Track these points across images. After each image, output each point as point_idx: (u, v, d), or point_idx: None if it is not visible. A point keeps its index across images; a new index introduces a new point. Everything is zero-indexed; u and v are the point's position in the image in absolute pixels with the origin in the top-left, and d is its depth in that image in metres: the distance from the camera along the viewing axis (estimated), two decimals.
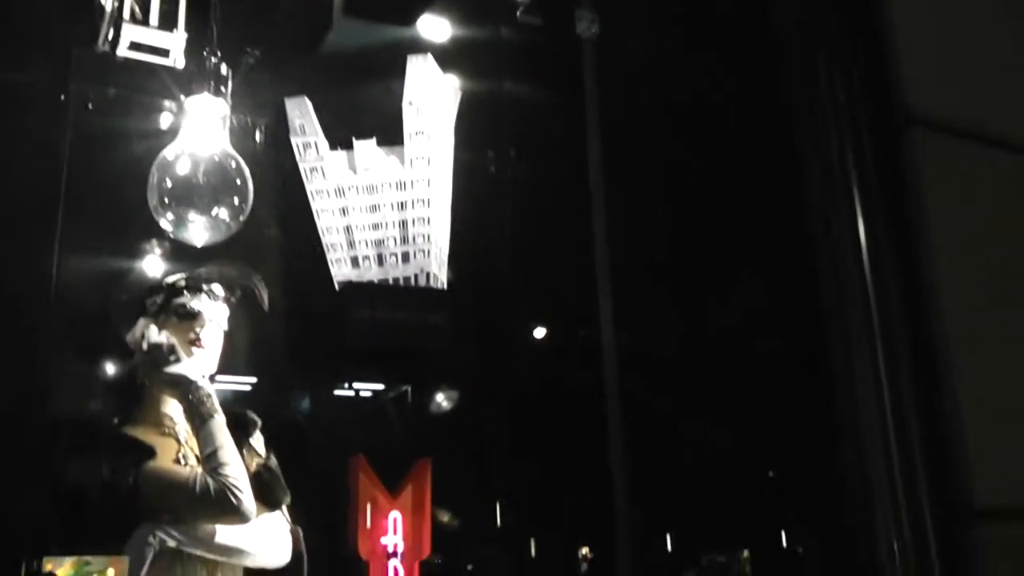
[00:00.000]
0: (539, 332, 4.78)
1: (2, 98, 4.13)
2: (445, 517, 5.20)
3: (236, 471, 2.36)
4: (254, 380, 4.05)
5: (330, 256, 4.09)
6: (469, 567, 4.73)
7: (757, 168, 3.26)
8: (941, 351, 1.79)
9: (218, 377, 3.16)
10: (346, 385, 4.57)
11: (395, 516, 3.86)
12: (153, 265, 3.95)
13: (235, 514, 2.35)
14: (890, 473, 1.70)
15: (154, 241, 4.23)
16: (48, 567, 2.37)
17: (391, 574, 3.80)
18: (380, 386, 4.47)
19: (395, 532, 3.83)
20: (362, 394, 4.58)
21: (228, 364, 3.36)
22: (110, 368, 2.82)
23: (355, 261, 4.09)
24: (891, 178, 2.00)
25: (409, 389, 4.73)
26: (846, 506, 1.88)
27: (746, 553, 5.63)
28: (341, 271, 4.12)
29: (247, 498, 2.35)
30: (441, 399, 4.96)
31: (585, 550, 6.33)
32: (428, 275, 4.09)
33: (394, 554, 3.82)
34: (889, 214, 2.00)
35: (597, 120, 3.89)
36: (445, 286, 4.19)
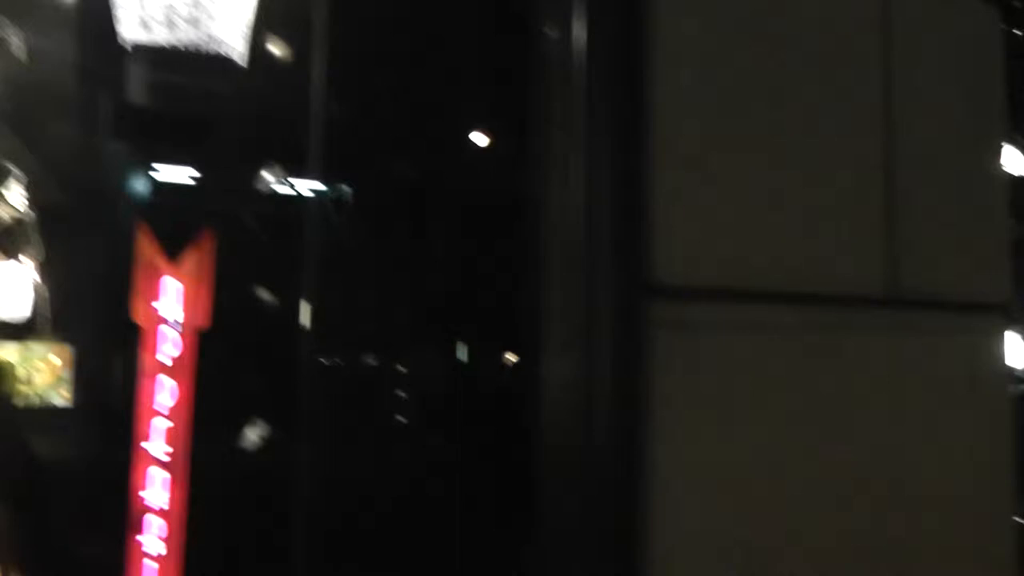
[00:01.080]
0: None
1: None
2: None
3: None
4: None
5: (118, 15, 3.90)
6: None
7: None
8: (646, 115, 1.80)
9: None
10: (136, 150, 4.47)
11: (171, 283, 3.86)
12: None
13: None
14: (574, 239, 1.76)
15: None
16: None
17: (162, 340, 3.82)
18: (171, 153, 4.36)
19: (170, 299, 3.84)
20: (154, 163, 4.49)
21: None
22: None
23: (144, 23, 3.92)
24: None
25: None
26: (524, 281, 1.93)
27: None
28: (130, 33, 3.94)
29: None
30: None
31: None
32: (219, 42, 3.96)
33: (167, 320, 3.84)
34: None
35: None
36: (242, 56, 4.06)
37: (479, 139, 5.38)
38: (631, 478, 1.69)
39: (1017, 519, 2.51)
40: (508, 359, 6.66)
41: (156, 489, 3.77)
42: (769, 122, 1.94)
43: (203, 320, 3.90)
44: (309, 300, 4.79)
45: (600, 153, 1.75)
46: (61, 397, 2.62)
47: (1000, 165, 2.52)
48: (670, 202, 1.74)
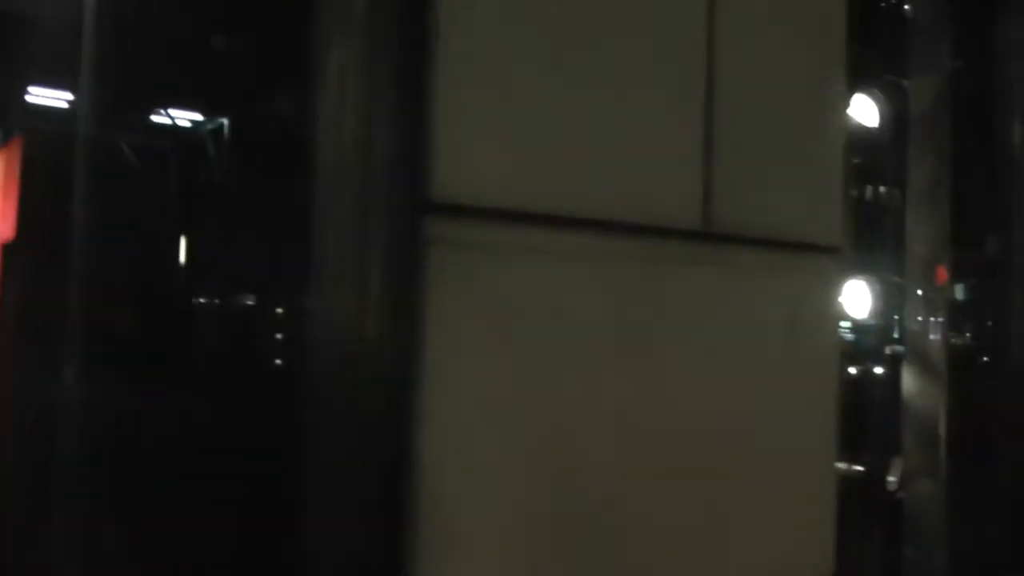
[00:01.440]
0: None
1: None
2: None
3: None
4: None
5: None
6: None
7: None
8: (431, 23, 1.66)
9: None
10: None
11: None
12: None
13: None
14: (350, 155, 1.64)
15: None
16: None
17: None
18: None
19: None
20: None
21: None
22: None
23: None
24: None
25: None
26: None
27: None
28: None
29: None
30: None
31: None
32: None
33: None
34: None
35: None
36: None
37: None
38: (404, 405, 1.59)
39: (838, 465, 2.51)
40: None
41: None
42: (576, 39, 1.82)
43: (8, 232, 3.64)
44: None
45: (379, 62, 1.61)
46: None
47: (837, 107, 2.47)
48: (456, 116, 1.62)
